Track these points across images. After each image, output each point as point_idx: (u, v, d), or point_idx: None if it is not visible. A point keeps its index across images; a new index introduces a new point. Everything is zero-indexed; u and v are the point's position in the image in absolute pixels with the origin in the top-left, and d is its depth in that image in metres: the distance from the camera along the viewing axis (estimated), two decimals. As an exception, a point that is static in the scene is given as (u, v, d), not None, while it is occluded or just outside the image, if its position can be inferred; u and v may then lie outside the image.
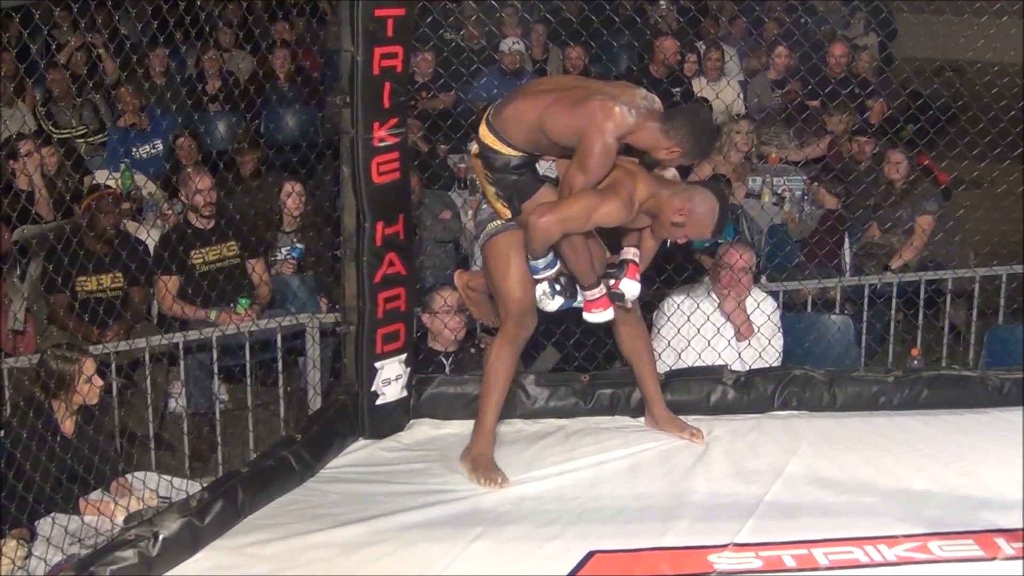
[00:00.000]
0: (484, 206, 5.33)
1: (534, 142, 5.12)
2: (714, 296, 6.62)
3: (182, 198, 7.65)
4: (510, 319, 5.39)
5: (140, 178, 8.95)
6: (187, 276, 7.30)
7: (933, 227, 8.32)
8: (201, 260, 7.40)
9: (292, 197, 7.86)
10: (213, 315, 7.11)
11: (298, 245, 7.95)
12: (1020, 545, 4.73)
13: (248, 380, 6.66)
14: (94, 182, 8.42)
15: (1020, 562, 4.47)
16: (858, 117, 9.60)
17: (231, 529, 4.89)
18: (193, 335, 6.54)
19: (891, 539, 4.80)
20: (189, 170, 7.70)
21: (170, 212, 8.29)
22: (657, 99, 5.15)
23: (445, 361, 6.54)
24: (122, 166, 8.88)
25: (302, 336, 6.82)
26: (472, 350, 6.69)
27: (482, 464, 5.36)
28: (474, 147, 5.31)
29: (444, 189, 8.76)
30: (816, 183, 8.82)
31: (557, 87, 5.23)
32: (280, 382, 6.76)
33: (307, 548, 4.74)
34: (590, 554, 4.68)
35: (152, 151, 9.54)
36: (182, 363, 6.75)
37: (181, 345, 6.52)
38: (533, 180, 5.20)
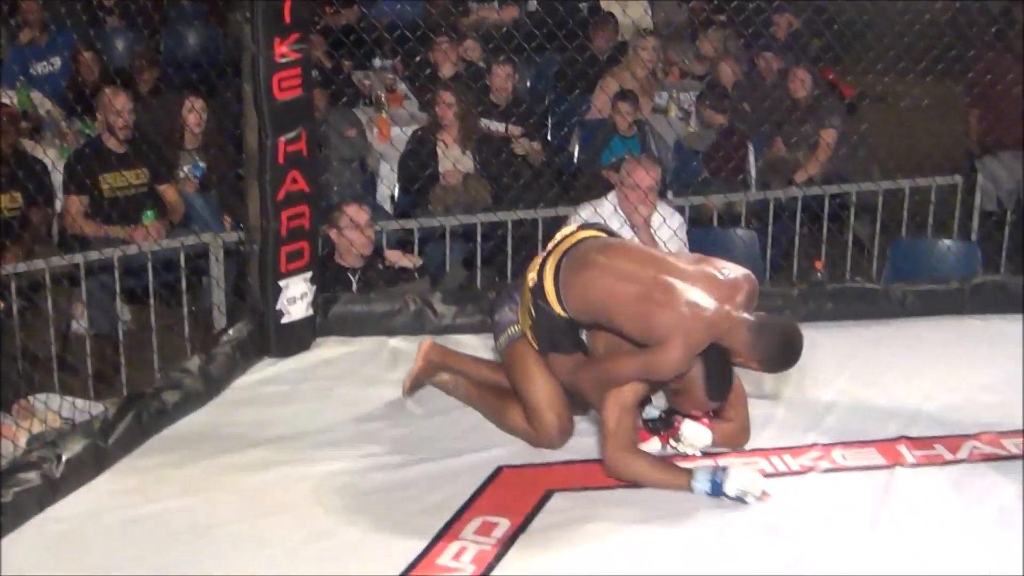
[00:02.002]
0: (507, 309, 4.94)
1: (591, 317, 4.65)
2: (621, 212, 6.61)
3: (99, 117, 7.48)
4: (538, 438, 4.86)
5: (37, 96, 8.77)
6: (93, 199, 7.18)
7: (837, 141, 8.38)
8: (108, 186, 7.28)
9: (193, 113, 7.73)
10: (121, 232, 7.00)
11: (200, 164, 7.84)
12: (922, 453, 4.80)
13: (151, 301, 6.59)
14: (-11, 101, 8.25)
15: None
16: (766, 33, 9.60)
17: (136, 450, 4.85)
18: (94, 255, 6.44)
19: (795, 449, 4.85)
20: (107, 90, 7.50)
21: (68, 131, 8.14)
22: (735, 274, 4.55)
23: (352, 278, 6.51)
24: (18, 84, 8.69)
25: (206, 256, 6.74)
26: (380, 266, 6.66)
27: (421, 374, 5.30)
28: (532, 277, 4.71)
29: (349, 106, 8.68)
30: (702, 103, 8.87)
31: (637, 270, 4.50)
32: (184, 302, 6.69)
33: (215, 469, 4.70)
34: (499, 469, 4.69)
35: (49, 68, 9.34)
36: (84, 284, 6.65)
37: (82, 266, 6.41)
38: (570, 343, 4.75)
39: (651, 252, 4.72)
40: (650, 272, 4.47)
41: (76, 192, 7.10)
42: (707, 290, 4.42)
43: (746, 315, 4.44)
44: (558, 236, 4.81)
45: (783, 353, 4.47)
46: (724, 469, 4.50)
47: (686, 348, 4.36)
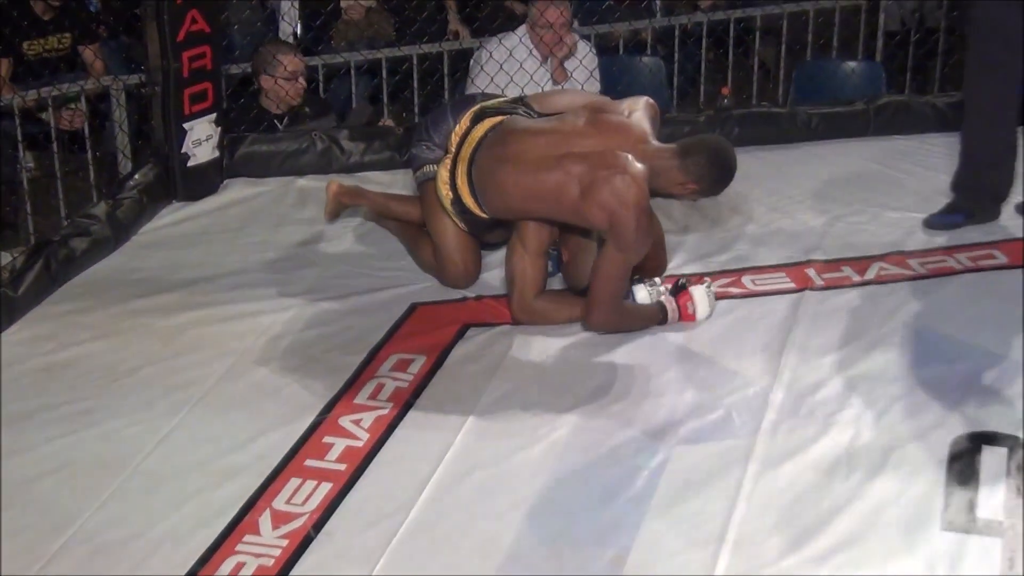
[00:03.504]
0: (424, 146, 4.82)
1: (518, 216, 4.48)
2: (526, 43, 6.57)
3: None
4: (444, 279, 4.84)
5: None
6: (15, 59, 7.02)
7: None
8: (30, 51, 7.10)
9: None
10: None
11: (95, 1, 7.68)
12: (830, 276, 4.87)
13: (54, 146, 6.48)
14: None
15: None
16: None
17: (47, 298, 4.81)
18: (-8, 102, 6.33)
19: (706, 276, 4.90)
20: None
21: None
22: (636, 107, 4.43)
23: (278, 124, 6.41)
24: None
25: (107, 99, 6.63)
26: (306, 109, 6.54)
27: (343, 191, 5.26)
28: (447, 194, 4.57)
29: (246, -59, 8.49)
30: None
31: (545, 153, 4.31)
32: (88, 147, 6.59)
33: (127, 314, 4.69)
34: (413, 306, 4.71)
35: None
36: (-17, 133, 6.55)
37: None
38: (502, 230, 4.67)
39: (551, 124, 4.45)
40: (559, 150, 4.30)
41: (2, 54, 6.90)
42: (620, 141, 4.29)
43: (669, 144, 4.34)
44: (456, 138, 4.58)
45: (718, 167, 4.30)
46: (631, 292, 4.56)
47: (637, 211, 4.19)
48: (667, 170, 4.27)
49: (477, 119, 4.59)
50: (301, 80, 6.39)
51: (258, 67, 6.37)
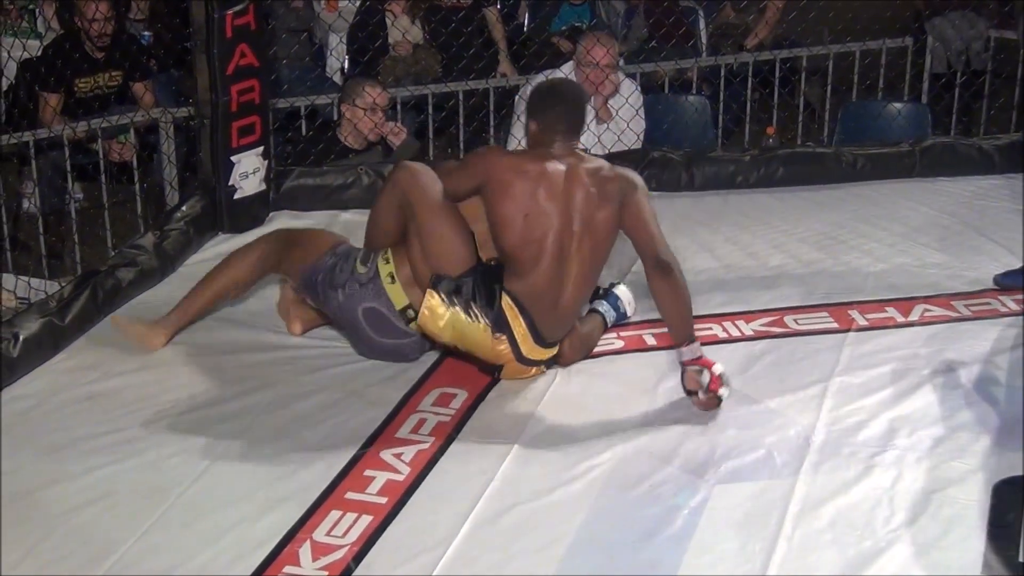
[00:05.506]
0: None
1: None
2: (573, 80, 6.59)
3: (78, 22, 7.29)
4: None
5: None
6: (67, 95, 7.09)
7: (786, 5, 8.35)
8: (82, 87, 7.17)
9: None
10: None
11: (145, 33, 7.74)
12: (874, 316, 4.86)
13: (103, 178, 6.54)
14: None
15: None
16: None
17: (93, 328, 4.84)
18: (43, 134, 6.38)
19: (748, 315, 4.90)
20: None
21: (11, 7, 7.97)
22: None
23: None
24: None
25: (156, 131, 6.68)
26: (379, 147, 6.57)
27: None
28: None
29: (296, -24, 8.56)
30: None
31: None
32: (136, 179, 6.65)
33: (171, 344, 4.70)
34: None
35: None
36: (33, 163, 6.59)
37: (32, 144, 6.36)
38: None
39: None
40: None
41: (52, 89, 6.95)
42: None
43: None
44: None
45: (545, 92, 4.48)
46: (613, 293, 4.77)
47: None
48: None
49: None
50: (379, 113, 6.41)
51: (344, 96, 6.44)
